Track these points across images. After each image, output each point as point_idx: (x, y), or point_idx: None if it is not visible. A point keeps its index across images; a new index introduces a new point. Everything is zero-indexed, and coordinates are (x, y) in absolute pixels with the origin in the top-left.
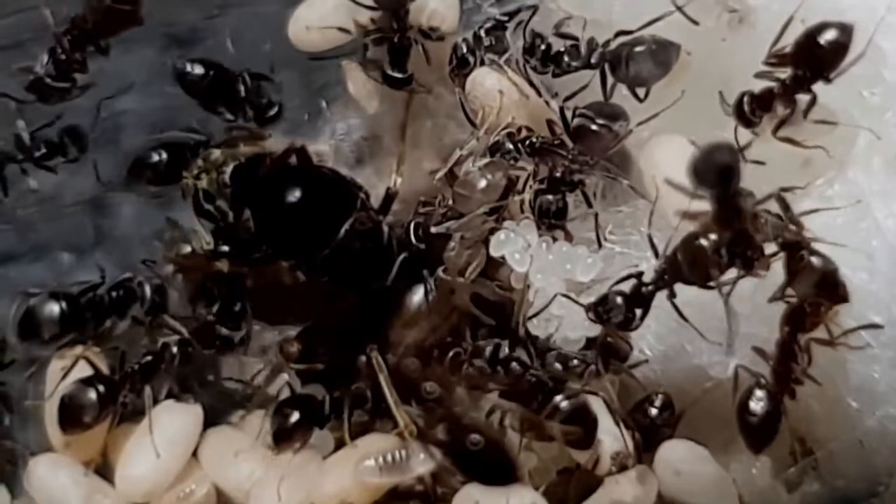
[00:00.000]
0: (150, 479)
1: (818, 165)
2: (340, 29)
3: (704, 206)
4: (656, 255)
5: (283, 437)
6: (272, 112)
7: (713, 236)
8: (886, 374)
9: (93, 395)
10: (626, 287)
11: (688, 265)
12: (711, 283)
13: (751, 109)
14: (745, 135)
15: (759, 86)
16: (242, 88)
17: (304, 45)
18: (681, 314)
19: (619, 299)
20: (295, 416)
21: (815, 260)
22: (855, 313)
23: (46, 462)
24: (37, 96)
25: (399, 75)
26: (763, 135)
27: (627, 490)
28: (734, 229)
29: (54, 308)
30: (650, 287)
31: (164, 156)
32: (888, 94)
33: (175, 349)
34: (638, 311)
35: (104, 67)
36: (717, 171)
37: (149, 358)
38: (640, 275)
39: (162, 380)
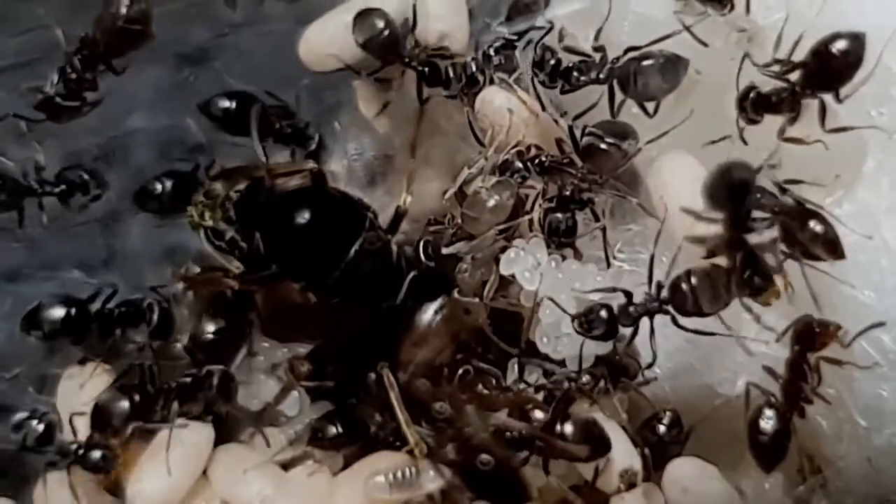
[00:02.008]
0: (161, 497)
1: (826, 185)
2: (351, 68)
3: (712, 229)
4: (651, 281)
5: (317, 440)
6: (312, 143)
7: (719, 272)
8: (895, 392)
9: (126, 403)
10: (615, 303)
11: (693, 300)
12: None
13: (754, 107)
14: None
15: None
16: (278, 122)
17: (315, 64)
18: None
19: (602, 312)
20: (337, 430)
21: (814, 223)
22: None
23: (57, 478)
24: (46, 115)
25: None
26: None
27: None
28: (746, 252)
29: (59, 306)
30: (639, 309)
31: (168, 185)
32: None
33: (216, 379)
34: (620, 327)
35: (114, 86)
36: (731, 190)
37: (187, 380)
38: (629, 294)
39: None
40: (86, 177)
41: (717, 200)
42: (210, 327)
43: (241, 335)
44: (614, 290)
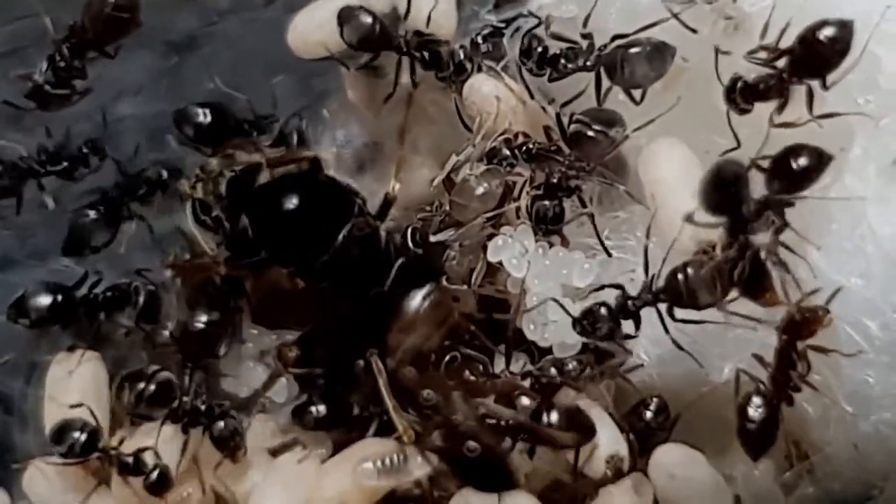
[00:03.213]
0: None
1: None
2: (338, 60)
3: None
4: (647, 271)
5: (300, 419)
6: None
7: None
8: (881, 378)
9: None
10: (612, 300)
11: (688, 292)
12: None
13: (743, 97)
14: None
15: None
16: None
17: (304, 52)
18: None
19: (602, 311)
20: (322, 411)
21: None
22: (850, 318)
23: (46, 466)
24: (36, 103)
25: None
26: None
27: (623, 500)
28: (747, 255)
29: (45, 293)
30: (637, 303)
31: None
32: (883, 101)
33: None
34: (623, 323)
35: (102, 74)
36: (726, 191)
37: (202, 406)
38: (622, 288)
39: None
40: (85, 150)
41: (714, 205)
42: (200, 317)
43: (229, 322)
44: (604, 286)
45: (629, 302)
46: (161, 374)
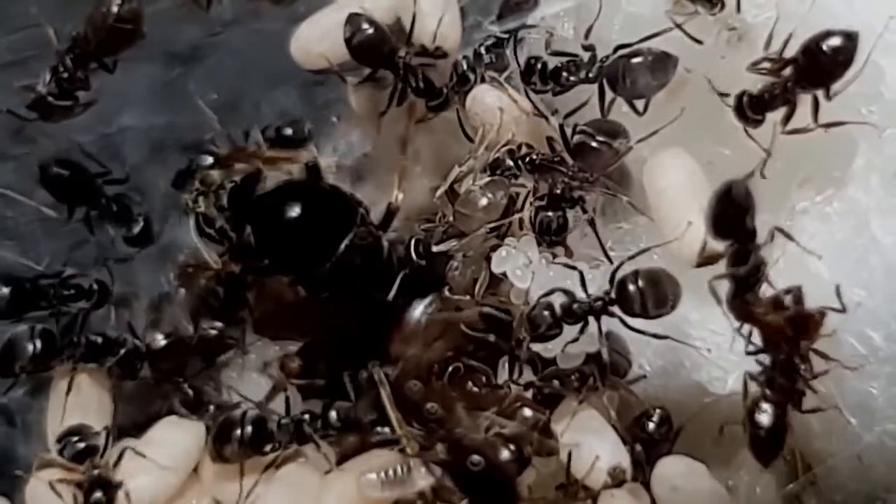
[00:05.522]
0: (151, 493)
1: (817, 183)
2: (338, 74)
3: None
4: (583, 284)
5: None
6: None
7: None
8: (885, 390)
9: None
10: (557, 302)
11: (640, 301)
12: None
13: (752, 109)
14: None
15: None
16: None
17: (307, 62)
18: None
19: (545, 312)
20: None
21: None
22: (853, 330)
23: (48, 477)
24: (39, 114)
25: (436, 101)
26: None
27: None
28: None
29: (28, 345)
30: (582, 307)
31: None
32: (886, 111)
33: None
34: (565, 325)
35: (105, 85)
36: (733, 215)
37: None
38: (571, 293)
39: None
40: (127, 204)
41: (722, 229)
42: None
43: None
44: (554, 291)
45: (574, 305)
46: (250, 413)
